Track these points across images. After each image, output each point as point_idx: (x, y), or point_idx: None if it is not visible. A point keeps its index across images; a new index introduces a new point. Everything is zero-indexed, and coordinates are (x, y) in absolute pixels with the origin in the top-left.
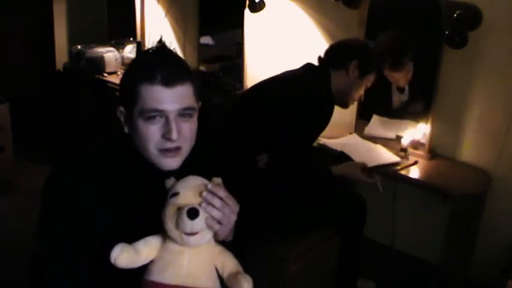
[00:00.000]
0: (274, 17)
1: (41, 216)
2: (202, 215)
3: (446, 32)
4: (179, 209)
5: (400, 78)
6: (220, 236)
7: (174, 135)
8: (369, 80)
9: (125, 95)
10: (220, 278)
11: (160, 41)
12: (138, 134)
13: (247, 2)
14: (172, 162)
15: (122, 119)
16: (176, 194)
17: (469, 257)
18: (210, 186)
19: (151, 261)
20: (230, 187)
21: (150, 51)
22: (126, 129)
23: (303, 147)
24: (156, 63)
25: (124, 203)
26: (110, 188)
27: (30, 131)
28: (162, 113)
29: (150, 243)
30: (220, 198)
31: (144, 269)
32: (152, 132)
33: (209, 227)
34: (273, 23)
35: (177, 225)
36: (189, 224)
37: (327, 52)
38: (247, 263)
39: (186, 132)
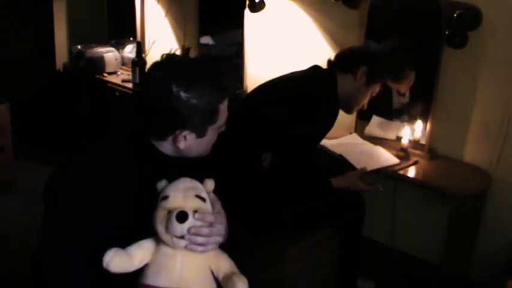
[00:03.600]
0: (274, 17)
1: (46, 215)
2: (191, 218)
3: (446, 32)
4: (169, 212)
5: (402, 87)
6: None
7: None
8: (375, 89)
9: (199, 117)
10: (217, 280)
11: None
12: (207, 142)
13: (247, 2)
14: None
15: (181, 140)
16: (166, 197)
17: (469, 257)
18: (197, 215)
19: (146, 265)
20: (232, 185)
21: (211, 63)
22: (182, 146)
23: (308, 148)
24: (226, 76)
25: (129, 203)
26: (114, 187)
27: (30, 131)
28: None
29: (144, 247)
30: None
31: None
32: (216, 135)
33: (191, 249)
34: (273, 23)
35: (167, 228)
36: (178, 228)
37: (337, 56)
38: (242, 260)
39: None
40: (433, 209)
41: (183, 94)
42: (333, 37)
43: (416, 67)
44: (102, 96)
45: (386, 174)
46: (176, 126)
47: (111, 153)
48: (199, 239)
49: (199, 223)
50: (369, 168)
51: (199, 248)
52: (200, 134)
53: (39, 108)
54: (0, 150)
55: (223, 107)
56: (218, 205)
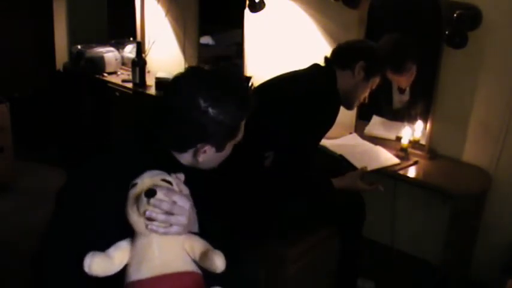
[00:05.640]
0: (274, 17)
1: (54, 216)
2: (160, 193)
3: (446, 32)
4: (138, 196)
5: (403, 80)
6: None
7: None
8: (374, 83)
9: (224, 133)
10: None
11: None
12: (222, 156)
13: (247, 2)
14: None
15: (201, 153)
16: (134, 185)
17: (469, 257)
18: (152, 200)
19: (126, 265)
20: (233, 183)
21: (236, 79)
22: (201, 159)
23: (309, 147)
24: (249, 92)
25: None
26: (123, 194)
27: (30, 131)
28: None
29: (120, 247)
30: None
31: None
32: (231, 149)
33: (152, 230)
34: (273, 23)
35: (138, 210)
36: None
37: (334, 52)
38: (239, 258)
39: None
40: (433, 209)
41: (211, 110)
42: (333, 37)
43: (418, 63)
44: (102, 96)
45: (387, 174)
46: (199, 140)
47: (124, 159)
48: (161, 216)
49: (166, 198)
50: (369, 168)
51: (161, 229)
52: (220, 148)
53: (39, 108)
54: (0, 150)
55: (243, 122)
56: (186, 190)
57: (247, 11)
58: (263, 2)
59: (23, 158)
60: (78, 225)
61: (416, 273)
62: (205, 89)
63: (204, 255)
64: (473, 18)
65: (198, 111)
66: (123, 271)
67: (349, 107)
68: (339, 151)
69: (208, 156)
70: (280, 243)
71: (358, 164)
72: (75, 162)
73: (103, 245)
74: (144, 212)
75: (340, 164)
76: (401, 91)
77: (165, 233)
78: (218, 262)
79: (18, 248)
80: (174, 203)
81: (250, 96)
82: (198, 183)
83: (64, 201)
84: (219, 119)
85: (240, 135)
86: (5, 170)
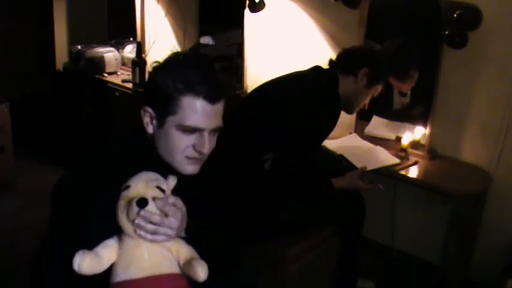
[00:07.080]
0: (274, 17)
1: (53, 214)
2: (152, 204)
3: (446, 32)
4: (130, 201)
5: (405, 87)
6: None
7: (207, 150)
8: (376, 90)
9: (159, 99)
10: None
11: (198, 49)
12: (168, 140)
13: (247, 2)
14: (194, 168)
15: (147, 120)
16: (127, 187)
17: (469, 257)
18: (142, 212)
19: (114, 264)
20: (232, 185)
21: (191, 59)
22: (150, 130)
23: (310, 149)
24: (203, 75)
25: None
26: (118, 189)
27: (30, 131)
28: (199, 129)
29: (108, 245)
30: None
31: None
32: (185, 142)
33: (139, 236)
34: (273, 23)
35: (128, 216)
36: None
37: (339, 56)
38: (238, 261)
39: (212, 145)
40: (433, 209)
41: (160, 72)
42: (333, 37)
43: (420, 68)
44: (102, 96)
45: (387, 174)
46: (146, 102)
47: (118, 155)
48: (149, 226)
49: (158, 211)
50: (369, 167)
51: (148, 236)
52: (160, 122)
53: (39, 108)
54: (0, 150)
55: (189, 103)
56: (179, 202)
57: (247, 11)
58: (263, 2)
59: (23, 158)
60: (77, 223)
61: (417, 273)
62: (165, 60)
63: (188, 263)
64: (473, 18)
65: (154, 76)
66: (110, 269)
67: (349, 111)
68: (339, 151)
69: (154, 132)
70: (280, 243)
71: (358, 164)
72: (75, 162)
73: (99, 242)
74: (133, 220)
75: (340, 164)
76: (402, 94)
77: (152, 241)
78: (201, 273)
79: (18, 248)
80: (165, 215)
81: (204, 79)
82: (191, 185)
83: (62, 198)
84: (165, 82)
85: (183, 116)
86: (5, 170)
